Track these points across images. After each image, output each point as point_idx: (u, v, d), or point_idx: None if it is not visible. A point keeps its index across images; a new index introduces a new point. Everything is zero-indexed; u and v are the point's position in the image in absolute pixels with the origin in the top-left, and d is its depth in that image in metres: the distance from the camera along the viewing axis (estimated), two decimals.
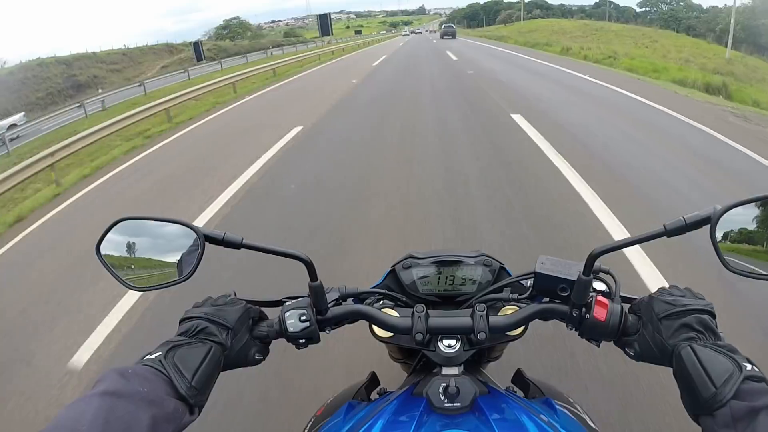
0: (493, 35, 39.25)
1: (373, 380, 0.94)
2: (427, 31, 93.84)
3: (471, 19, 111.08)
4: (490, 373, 0.90)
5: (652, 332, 0.59)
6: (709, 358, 0.52)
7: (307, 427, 0.82)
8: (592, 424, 0.76)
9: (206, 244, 0.63)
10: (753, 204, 0.57)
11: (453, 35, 43.24)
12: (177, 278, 0.65)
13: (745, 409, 0.46)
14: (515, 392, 0.85)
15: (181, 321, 0.64)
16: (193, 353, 0.57)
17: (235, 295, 0.69)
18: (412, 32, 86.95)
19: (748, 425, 0.45)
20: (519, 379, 0.94)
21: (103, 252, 0.65)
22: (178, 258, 0.65)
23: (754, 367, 0.51)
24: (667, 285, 0.65)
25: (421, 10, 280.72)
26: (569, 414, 0.74)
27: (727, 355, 0.52)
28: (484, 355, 0.90)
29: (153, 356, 0.55)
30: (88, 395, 0.47)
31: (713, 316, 0.59)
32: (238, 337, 0.64)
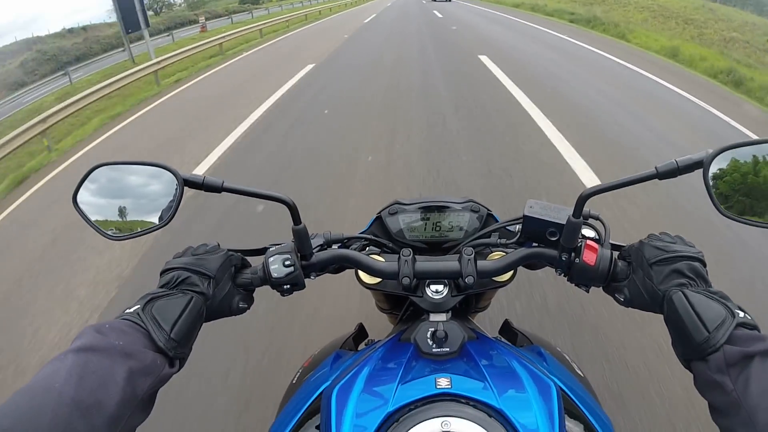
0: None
1: (360, 331, 0.95)
2: None
3: None
4: (477, 324, 0.91)
5: (643, 278, 0.59)
6: (702, 303, 0.51)
7: (295, 378, 0.83)
8: (579, 372, 0.77)
9: (185, 188, 0.61)
10: (746, 147, 0.55)
11: None
12: (156, 224, 0.63)
13: (738, 354, 0.46)
14: (503, 341, 0.86)
15: (162, 273, 0.62)
16: (172, 304, 0.56)
17: (218, 245, 0.68)
18: None
19: (741, 371, 0.45)
20: (507, 329, 0.95)
21: (80, 201, 0.63)
22: (158, 202, 0.63)
23: (746, 314, 0.50)
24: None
25: None
26: (557, 361, 0.75)
27: (720, 301, 0.52)
28: (472, 304, 0.91)
29: (131, 309, 0.54)
30: (64, 353, 0.46)
31: (704, 264, 0.59)
32: (220, 286, 0.62)
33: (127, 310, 0.54)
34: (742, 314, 0.50)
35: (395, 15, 20.84)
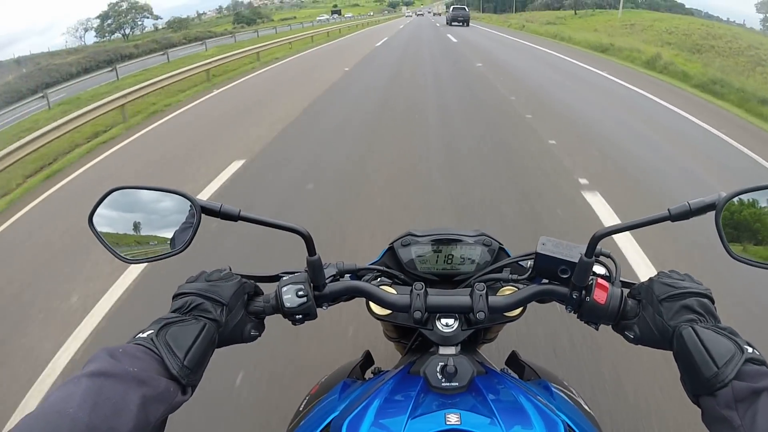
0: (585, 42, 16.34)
1: (367, 359, 0.94)
2: (430, 13, 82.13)
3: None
4: (484, 355, 0.90)
5: (653, 314, 0.59)
6: (711, 339, 0.52)
7: (302, 405, 0.82)
8: (587, 408, 0.76)
9: (202, 215, 0.61)
10: (759, 191, 0.56)
11: (465, 21, 31.01)
12: (172, 250, 0.63)
13: (747, 389, 0.46)
14: (510, 374, 0.85)
15: (175, 297, 0.62)
16: (186, 331, 0.56)
17: (230, 270, 0.68)
18: (415, 14, 79.08)
19: (749, 406, 0.45)
20: (514, 361, 0.94)
21: (95, 223, 0.63)
22: (175, 229, 0.64)
23: (755, 350, 0.51)
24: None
25: None
26: (565, 397, 0.74)
27: (729, 337, 0.52)
28: (480, 336, 0.90)
29: (145, 334, 0.54)
30: (77, 376, 0.46)
31: (712, 301, 0.59)
32: (233, 314, 0.63)
33: (140, 335, 0.54)
34: (750, 350, 0.50)
35: (405, 52, 15.07)
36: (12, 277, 3.21)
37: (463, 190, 3.87)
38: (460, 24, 31.42)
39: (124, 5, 41.65)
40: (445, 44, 17.35)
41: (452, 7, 35.96)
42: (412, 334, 0.88)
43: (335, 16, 63.23)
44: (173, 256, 0.64)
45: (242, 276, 0.68)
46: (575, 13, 37.22)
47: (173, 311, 0.60)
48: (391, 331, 0.96)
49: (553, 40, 18.81)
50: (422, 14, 77.50)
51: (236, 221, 0.62)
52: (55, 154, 6.60)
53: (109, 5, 41.05)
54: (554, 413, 0.59)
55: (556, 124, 5.94)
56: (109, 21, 40.96)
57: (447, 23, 33.49)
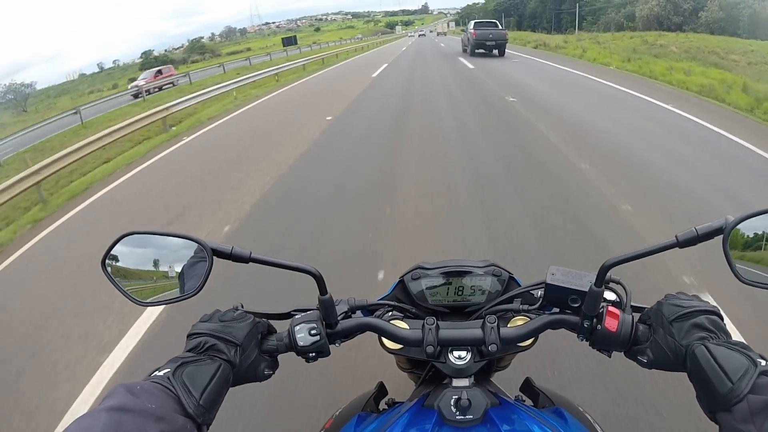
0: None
1: (381, 390, 0.94)
2: (434, 32, 75.70)
3: (506, 14, 58.50)
4: (497, 382, 0.90)
5: (664, 336, 0.59)
6: (724, 355, 0.52)
7: None
8: None
9: (214, 258, 0.62)
10: (766, 215, 0.57)
11: (499, 46, 18.64)
12: (185, 294, 0.64)
13: (762, 402, 0.47)
14: (524, 402, 0.85)
15: (189, 336, 0.63)
16: (201, 371, 0.57)
17: (243, 306, 0.69)
18: (417, 35, 72.74)
19: (766, 418, 0.46)
20: (528, 388, 0.94)
21: (108, 266, 0.65)
22: (186, 270, 0.65)
23: None
24: None
25: (424, 9, 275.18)
26: (580, 422, 0.73)
27: (741, 351, 0.52)
28: (493, 365, 0.90)
29: (161, 373, 0.55)
30: (96, 410, 0.47)
31: (721, 317, 0.60)
32: (246, 354, 0.64)
33: (157, 373, 0.55)
34: (764, 363, 0.51)
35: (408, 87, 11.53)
36: None
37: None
38: (489, 51, 18.66)
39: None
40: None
41: (475, 23, 19.73)
42: (425, 365, 0.88)
43: (288, 45, 43.65)
44: (186, 299, 0.65)
45: (255, 314, 0.69)
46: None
47: (188, 350, 0.61)
48: (404, 362, 0.96)
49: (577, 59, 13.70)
50: (424, 34, 71.84)
51: (248, 263, 0.63)
52: None
53: None
54: None
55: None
56: None
57: (465, 50, 20.25)
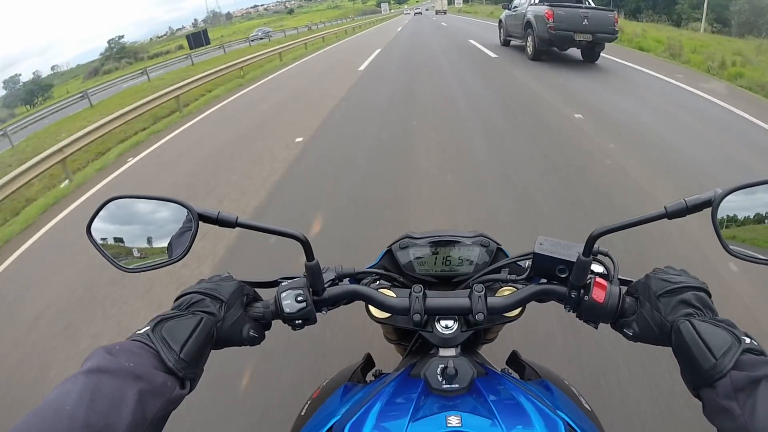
0: None
1: (368, 362, 0.94)
2: (428, 11, 66.40)
3: None
4: (484, 355, 0.91)
5: (651, 310, 0.60)
6: (708, 331, 0.53)
7: (304, 409, 0.82)
8: (587, 406, 0.76)
9: (200, 222, 0.62)
10: (755, 187, 0.56)
11: (598, 46, 8.39)
12: (171, 258, 0.64)
13: (745, 379, 0.47)
14: (511, 374, 0.85)
15: (176, 300, 0.63)
16: (181, 325, 0.56)
17: (230, 274, 0.68)
18: (413, 12, 61.90)
19: (749, 395, 0.46)
20: (514, 361, 0.95)
21: (93, 232, 0.64)
22: (172, 236, 0.64)
23: (753, 340, 0.51)
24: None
25: None
26: (565, 395, 0.74)
27: (726, 329, 0.53)
28: (480, 337, 0.91)
29: (141, 331, 0.55)
30: (75, 374, 0.46)
31: (709, 295, 0.60)
32: (231, 311, 0.63)
33: (138, 332, 0.55)
34: (748, 340, 0.51)
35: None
36: None
37: None
38: (579, 49, 8.85)
39: None
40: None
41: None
42: (412, 336, 0.89)
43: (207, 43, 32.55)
44: (172, 264, 0.64)
45: (241, 281, 0.68)
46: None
47: (172, 309, 0.60)
48: (391, 333, 0.96)
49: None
50: (420, 12, 61.70)
51: (234, 228, 0.62)
52: None
53: None
54: (554, 413, 0.59)
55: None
56: None
57: (508, 43, 11.57)
